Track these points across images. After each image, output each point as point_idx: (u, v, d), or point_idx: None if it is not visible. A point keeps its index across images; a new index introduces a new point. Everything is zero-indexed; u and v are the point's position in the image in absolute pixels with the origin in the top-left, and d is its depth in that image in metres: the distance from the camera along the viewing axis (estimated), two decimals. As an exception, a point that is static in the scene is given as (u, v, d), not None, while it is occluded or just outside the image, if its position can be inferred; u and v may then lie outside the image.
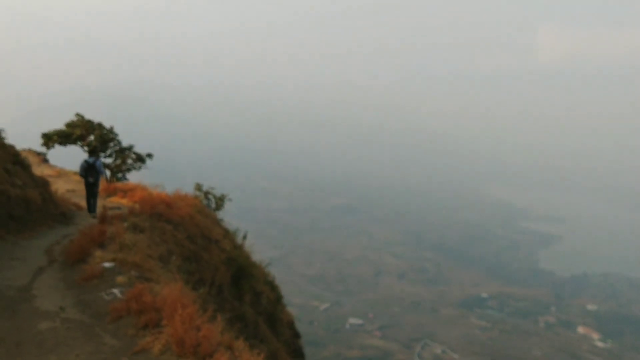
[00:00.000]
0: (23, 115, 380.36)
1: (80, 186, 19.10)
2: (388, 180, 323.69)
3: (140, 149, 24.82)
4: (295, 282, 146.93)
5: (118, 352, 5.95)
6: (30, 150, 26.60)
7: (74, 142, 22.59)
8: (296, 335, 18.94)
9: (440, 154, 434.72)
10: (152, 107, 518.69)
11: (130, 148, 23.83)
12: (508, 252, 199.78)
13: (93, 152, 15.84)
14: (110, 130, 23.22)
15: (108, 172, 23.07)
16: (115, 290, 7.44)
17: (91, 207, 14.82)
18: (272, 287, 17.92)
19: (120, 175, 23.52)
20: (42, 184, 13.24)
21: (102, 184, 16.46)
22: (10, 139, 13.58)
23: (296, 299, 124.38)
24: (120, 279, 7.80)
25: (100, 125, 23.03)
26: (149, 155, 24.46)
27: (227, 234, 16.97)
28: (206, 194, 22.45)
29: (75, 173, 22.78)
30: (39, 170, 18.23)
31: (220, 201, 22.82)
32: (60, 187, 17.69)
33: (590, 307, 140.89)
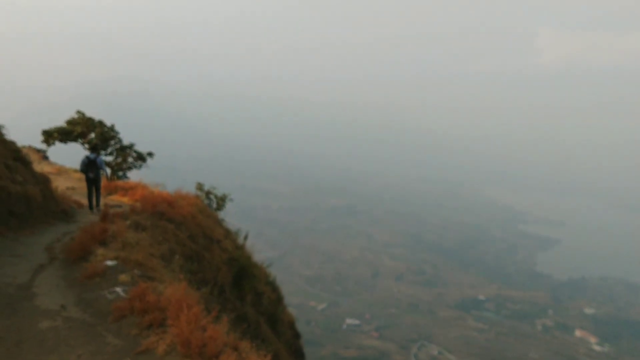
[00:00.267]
0: (25, 112, 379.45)
1: (80, 184, 18.97)
2: (387, 182, 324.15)
3: (141, 147, 24.72)
4: (293, 282, 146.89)
5: (121, 352, 5.82)
6: (30, 147, 26.45)
7: (74, 139, 22.44)
8: (297, 335, 18.83)
9: (440, 155, 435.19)
10: (155, 105, 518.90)
11: (131, 146, 23.71)
12: (506, 255, 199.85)
13: (94, 148, 15.73)
14: (111, 129, 23.08)
15: (109, 170, 22.94)
16: (118, 289, 7.31)
17: (92, 204, 14.72)
18: (273, 287, 17.82)
19: (121, 173, 23.40)
20: (43, 180, 13.09)
21: (102, 182, 16.33)
22: (11, 136, 13.44)
23: (294, 299, 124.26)
24: (123, 277, 7.67)
25: (101, 123, 22.89)
26: (150, 154, 24.35)
27: (229, 234, 16.88)
28: (207, 193, 22.32)
29: (75, 170, 22.66)
30: (39, 167, 18.06)
31: (221, 201, 22.68)
32: (60, 184, 17.54)
33: (588, 310, 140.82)
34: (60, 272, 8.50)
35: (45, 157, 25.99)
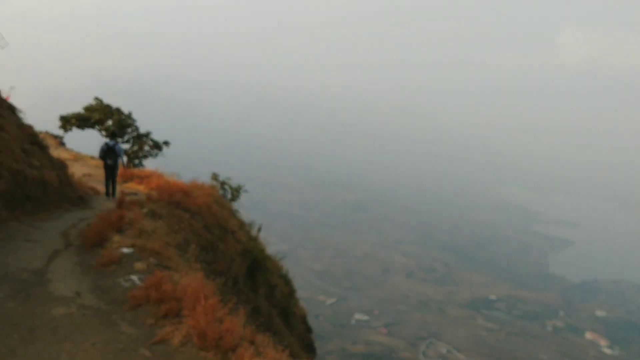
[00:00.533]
0: (42, 100, 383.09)
1: (96, 171, 18.97)
2: (401, 179, 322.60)
3: (157, 136, 24.68)
4: (302, 275, 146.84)
5: (136, 341, 5.70)
6: (47, 133, 26.51)
7: (92, 126, 22.45)
8: (308, 329, 18.73)
9: (455, 153, 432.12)
10: (170, 98, 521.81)
11: (147, 135, 23.69)
12: (519, 255, 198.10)
13: (113, 135, 15.72)
14: (129, 116, 23.06)
15: (125, 158, 22.94)
16: (134, 277, 7.20)
17: (109, 191, 14.74)
18: (286, 280, 17.71)
19: (136, 161, 23.39)
20: (60, 166, 13.05)
21: (119, 170, 16.33)
22: (29, 121, 13.41)
23: (303, 293, 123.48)
24: (138, 265, 7.56)
25: (118, 111, 22.88)
26: (166, 143, 24.32)
27: (243, 226, 16.76)
28: (222, 184, 22.23)
29: (92, 157, 22.68)
30: (55, 153, 18.08)
31: (236, 192, 22.59)
32: (76, 171, 17.54)
33: (600, 313, 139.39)
34: (76, 258, 8.40)
35: (61, 144, 26.03)
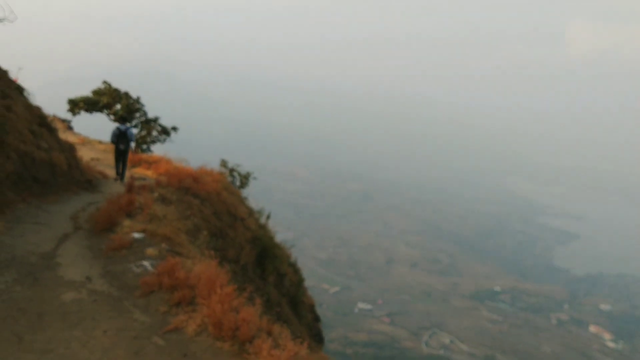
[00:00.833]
0: (49, 83, 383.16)
1: (105, 155, 18.81)
2: (407, 169, 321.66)
3: (165, 121, 24.46)
4: (306, 264, 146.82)
5: (149, 329, 5.50)
6: (55, 117, 26.33)
7: (100, 110, 22.25)
8: (316, 319, 18.60)
9: (462, 145, 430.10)
10: (179, 84, 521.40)
11: (156, 120, 23.48)
12: (525, 247, 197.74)
13: (124, 119, 15.53)
14: (137, 101, 22.85)
15: (133, 144, 22.77)
16: (146, 263, 6.98)
17: (119, 171, 14.66)
18: (295, 269, 17.53)
19: (145, 146, 23.20)
20: (69, 148, 12.85)
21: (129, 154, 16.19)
22: (37, 103, 13.21)
23: (307, 281, 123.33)
24: (150, 251, 7.35)
25: (127, 95, 22.66)
26: (174, 129, 24.13)
27: (252, 213, 16.56)
28: (231, 171, 22.03)
29: (100, 142, 22.50)
30: (63, 137, 17.92)
31: (245, 179, 22.41)
32: (84, 154, 17.37)
33: (604, 306, 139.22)
34: (85, 242, 8.20)
35: (69, 127, 25.83)
